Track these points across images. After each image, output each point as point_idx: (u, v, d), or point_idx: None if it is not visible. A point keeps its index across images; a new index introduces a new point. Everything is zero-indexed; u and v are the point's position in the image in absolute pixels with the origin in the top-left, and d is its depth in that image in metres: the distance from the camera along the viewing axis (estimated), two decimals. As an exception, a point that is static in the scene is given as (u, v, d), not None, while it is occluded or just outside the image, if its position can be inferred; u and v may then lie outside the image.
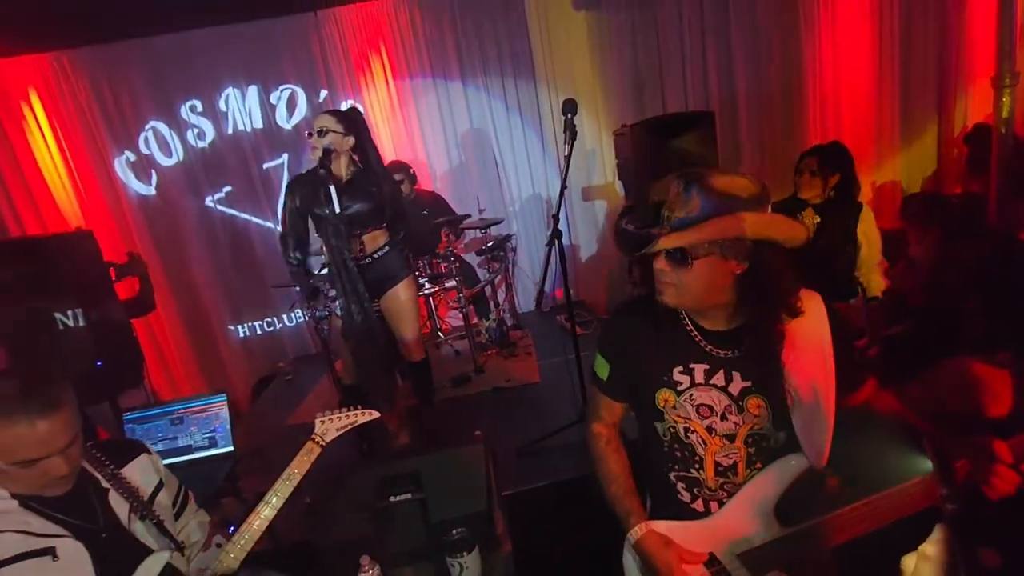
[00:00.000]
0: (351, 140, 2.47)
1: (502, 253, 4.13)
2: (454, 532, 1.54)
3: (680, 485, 1.26)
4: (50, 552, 1.08)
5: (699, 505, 1.25)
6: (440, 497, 1.67)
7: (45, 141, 4.16)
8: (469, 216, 3.99)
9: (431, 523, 1.65)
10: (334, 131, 2.41)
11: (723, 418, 1.19)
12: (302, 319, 4.72)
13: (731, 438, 1.19)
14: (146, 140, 4.30)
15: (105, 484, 1.22)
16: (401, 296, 2.64)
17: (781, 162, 4.52)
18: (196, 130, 4.35)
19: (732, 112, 4.51)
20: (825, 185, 2.56)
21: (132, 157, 4.31)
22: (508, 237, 4.29)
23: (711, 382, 1.19)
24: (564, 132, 2.38)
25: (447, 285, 3.61)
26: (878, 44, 4.45)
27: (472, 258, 4.32)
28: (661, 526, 1.22)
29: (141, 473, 1.30)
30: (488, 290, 4.20)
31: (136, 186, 4.38)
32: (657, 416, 1.24)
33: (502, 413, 3.15)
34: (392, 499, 1.68)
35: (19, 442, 1.02)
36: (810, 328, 1.13)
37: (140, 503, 1.25)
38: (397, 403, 2.73)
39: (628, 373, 1.28)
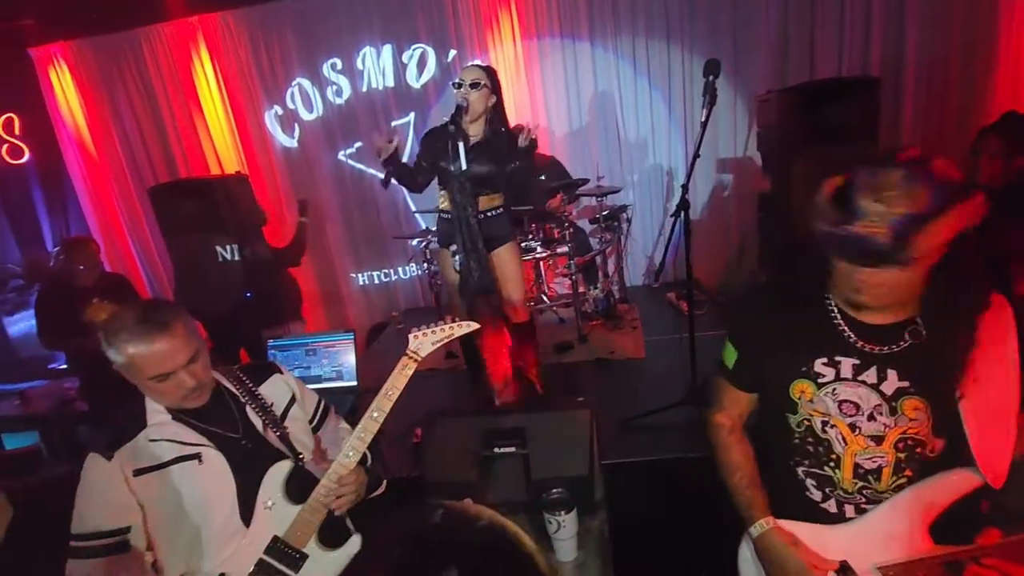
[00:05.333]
0: (494, 99, 2.47)
1: (616, 223, 4.02)
2: (554, 491, 1.56)
3: (810, 482, 1.17)
4: (196, 457, 1.27)
5: (831, 506, 1.15)
6: (543, 456, 1.70)
7: (210, 93, 4.66)
8: (588, 181, 3.90)
9: (532, 479, 1.70)
10: (486, 86, 2.40)
11: (871, 418, 1.07)
12: (415, 273, 4.97)
13: (878, 440, 1.08)
14: (292, 95, 4.66)
15: (244, 399, 1.39)
16: (506, 257, 2.65)
17: (954, 141, 3.91)
18: (335, 87, 4.63)
19: (895, 80, 3.92)
20: (1007, 169, 2.15)
21: (280, 111, 4.71)
22: (624, 207, 4.15)
23: (860, 378, 1.07)
24: (703, 96, 2.21)
25: (559, 251, 3.59)
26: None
27: (585, 225, 4.25)
28: (790, 526, 1.14)
29: (275, 390, 1.46)
30: (598, 260, 4.13)
31: (282, 138, 4.78)
32: (790, 408, 1.15)
33: (604, 384, 3.11)
34: (496, 450, 1.74)
35: (146, 359, 1.19)
36: (997, 330, 0.99)
37: (271, 417, 1.40)
38: (509, 365, 2.79)
39: (758, 362, 1.19)
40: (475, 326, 1.45)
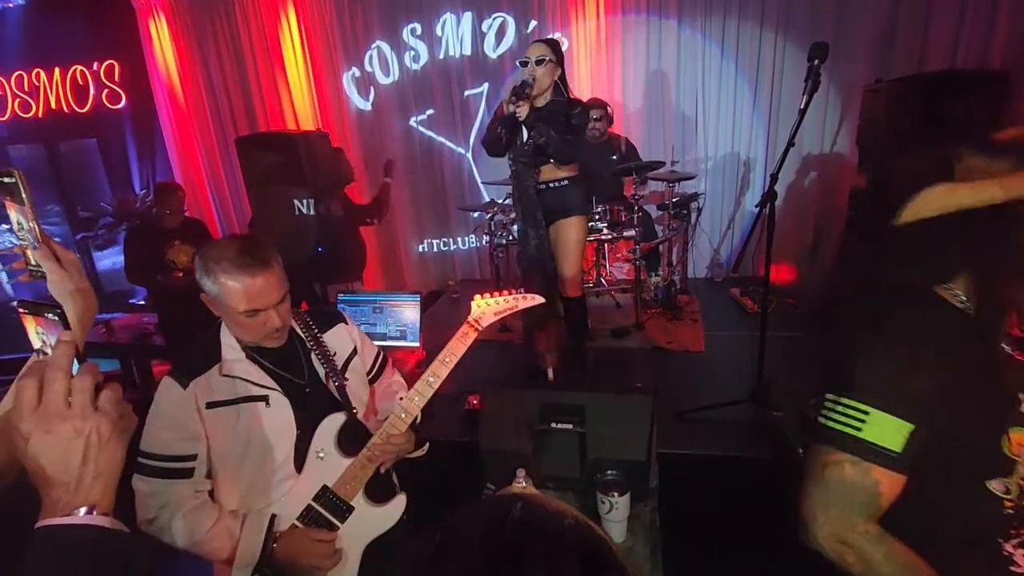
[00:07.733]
0: (559, 71, 2.50)
1: (685, 211, 3.88)
2: (609, 472, 1.54)
3: (1021, 553, 0.91)
4: (264, 399, 1.30)
5: None
6: (600, 436, 1.68)
7: (294, 51, 4.77)
8: (663, 164, 3.77)
9: (587, 458, 1.68)
10: (551, 60, 2.44)
11: None
12: (474, 245, 4.99)
13: None
14: (370, 59, 4.71)
15: (310, 345, 1.41)
16: (567, 231, 2.63)
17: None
18: (413, 52, 4.64)
19: (1017, 74, 3.54)
20: None
21: (357, 73, 4.77)
22: (695, 195, 4.00)
23: None
24: (805, 81, 2.07)
25: (624, 234, 3.51)
26: None
27: (651, 211, 4.13)
28: None
29: (339, 340, 1.47)
30: (662, 248, 4.02)
31: (357, 100, 4.86)
32: (997, 470, 0.89)
33: (659, 374, 3.06)
34: (553, 425, 1.73)
35: (243, 293, 1.21)
36: None
37: (332, 366, 1.41)
38: (558, 335, 2.78)
39: (938, 428, 0.86)
40: (540, 300, 1.38)
